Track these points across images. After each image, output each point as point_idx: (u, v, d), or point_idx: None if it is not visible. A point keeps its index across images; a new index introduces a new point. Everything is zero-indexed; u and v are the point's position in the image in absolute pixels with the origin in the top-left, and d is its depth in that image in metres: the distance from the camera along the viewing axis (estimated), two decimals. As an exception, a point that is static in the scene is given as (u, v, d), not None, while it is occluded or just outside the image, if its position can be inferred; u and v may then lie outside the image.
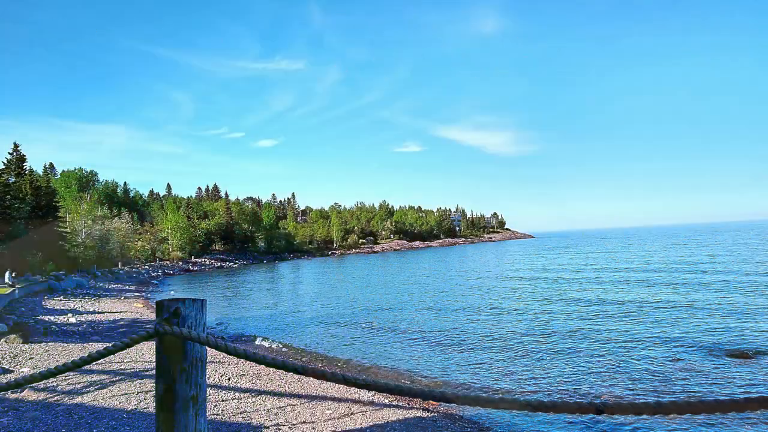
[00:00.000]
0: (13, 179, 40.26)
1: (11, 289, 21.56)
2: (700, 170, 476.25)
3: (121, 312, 20.32)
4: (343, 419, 6.92)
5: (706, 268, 29.67)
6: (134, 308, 22.18)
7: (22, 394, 7.08)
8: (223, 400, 7.52)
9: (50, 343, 11.51)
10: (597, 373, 9.89)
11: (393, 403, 7.96)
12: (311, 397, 8.03)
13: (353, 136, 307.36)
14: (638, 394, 8.60)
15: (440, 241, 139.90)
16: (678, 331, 13.21)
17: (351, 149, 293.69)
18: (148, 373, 8.78)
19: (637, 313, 16.40)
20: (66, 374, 7.85)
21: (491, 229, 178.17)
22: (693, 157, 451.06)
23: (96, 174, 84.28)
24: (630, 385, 9.07)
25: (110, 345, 1.62)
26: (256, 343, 14.58)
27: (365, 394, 8.27)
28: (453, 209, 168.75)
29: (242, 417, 6.72)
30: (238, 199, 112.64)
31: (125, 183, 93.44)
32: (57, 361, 9.61)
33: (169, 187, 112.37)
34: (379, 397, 8.18)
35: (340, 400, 7.96)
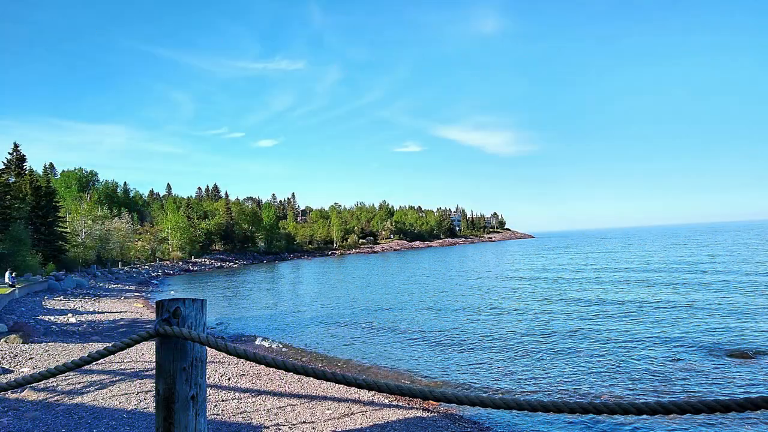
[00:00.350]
0: (13, 179, 40.26)
1: (11, 289, 21.56)
2: (700, 170, 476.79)
3: (121, 312, 20.32)
4: (343, 419, 6.92)
5: (706, 268, 29.67)
6: (134, 308, 22.19)
7: (22, 394, 7.08)
8: (223, 400, 7.52)
9: (50, 343, 11.51)
10: (597, 373, 9.89)
11: (393, 403, 7.97)
12: (311, 397, 8.03)
13: (353, 136, 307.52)
14: (638, 394, 8.60)
15: (440, 241, 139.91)
16: (678, 331, 13.21)
17: (351, 149, 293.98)
18: (148, 373, 8.78)
19: (637, 313, 16.40)
20: (66, 374, 7.85)
21: (491, 229, 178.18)
22: (693, 157, 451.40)
23: (96, 174, 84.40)
24: (630, 385, 9.07)
25: (110, 345, 1.62)
26: (256, 343, 14.58)
27: (365, 394, 8.27)
28: (453, 209, 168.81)
29: (242, 417, 6.72)
30: (238, 199, 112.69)
31: (125, 183, 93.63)
32: (57, 361, 9.61)
33: (169, 187, 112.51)
34: (379, 397, 8.18)
35: (340, 400, 7.96)
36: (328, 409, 7.36)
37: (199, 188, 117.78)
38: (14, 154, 43.01)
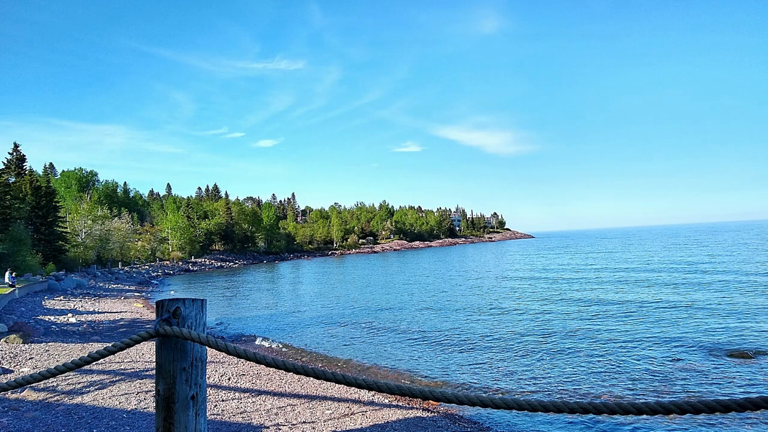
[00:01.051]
0: (13, 179, 40.27)
1: (11, 289, 21.56)
2: (700, 170, 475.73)
3: (121, 312, 20.32)
4: (343, 419, 6.92)
5: (706, 268, 29.67)
6: (134, 308, 22.19)
7: (22, 394, 7.08)
8: (223, 400, 7.52)
9: (50, 343, 11.51)
10: (597, 373, 9.89)
11: (393, 403, 7.96)
12: (311, 397, 8.03)
13: (353, 136, 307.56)
14: (638, 394, 8.60)
15: (440, 241, 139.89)
16: (678, 331, 13.21)
17: (351, 149, 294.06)
18: (148, 373, 8.78)
19: (637, 313, 16.40)
20: (66, 374, 7.85)
21: (491, 229, 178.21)
22: (693, 157, 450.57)
23: (96, 174, 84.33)
24: (630, 385, 9.07)
25: (110, 345, 1.62)
26: (256, 343, 14.58)
27: (365, 394, 8.27)
28: (453, 209, 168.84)
29: (242, 417, 6.72)
30: (238, 199, 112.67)
31: (125, 183, 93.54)
32: (57, 361, 9.61)
33: (169, 187, 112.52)
34: (379, 397, 8.18)
35: (340, 400, 7.96)
36: (328, 409, 7.36)
37: (199, 188, 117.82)
38: (14, 154, 43.03)
